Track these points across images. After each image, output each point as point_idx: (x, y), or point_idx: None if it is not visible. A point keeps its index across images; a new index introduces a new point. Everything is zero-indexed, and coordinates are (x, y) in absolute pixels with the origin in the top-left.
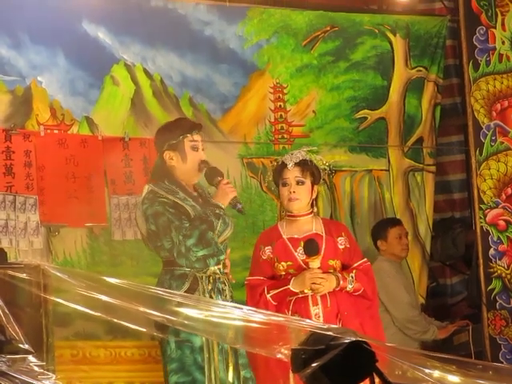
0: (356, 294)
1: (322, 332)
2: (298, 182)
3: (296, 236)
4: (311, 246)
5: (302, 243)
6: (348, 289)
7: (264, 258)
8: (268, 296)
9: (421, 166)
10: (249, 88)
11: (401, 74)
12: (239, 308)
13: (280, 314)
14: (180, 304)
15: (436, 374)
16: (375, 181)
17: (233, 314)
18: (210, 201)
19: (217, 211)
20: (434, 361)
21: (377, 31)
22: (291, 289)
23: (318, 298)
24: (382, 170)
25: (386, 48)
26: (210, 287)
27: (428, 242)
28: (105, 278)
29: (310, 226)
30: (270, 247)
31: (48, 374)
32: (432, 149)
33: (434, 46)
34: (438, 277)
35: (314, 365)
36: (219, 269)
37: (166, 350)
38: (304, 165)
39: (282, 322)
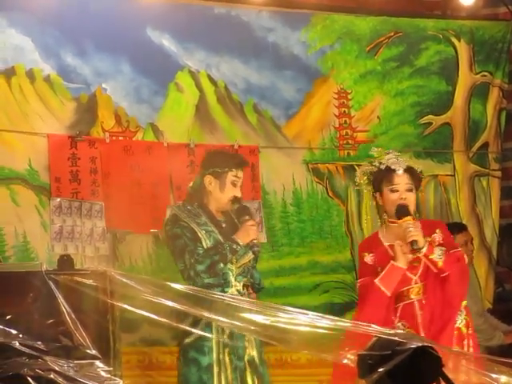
0: (442, 275)
1: (388, 337)
2: (407, 189)
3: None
4: (401, 210)
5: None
6: (435, 259)
7: (369, 263)
8: (377, 282)
9: (486, 171)
10: (313, 94)
11: (465, 79)
12: (305, 314)
13: (346, 320)
14: (246, 310)
15: (503, 378)
16: (441, 186)
17: (299, 320)
18: (232, 232)
19: (234, 246)
20: (500, 366)
21: (441, 36)
22: (395, 264)
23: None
24: (447, 175)
25: (450, 53)
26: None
27: (494, 248)
28: (171, 284)
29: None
30: (372, 254)
31: (115, 380)
32: (497, 154)
33: (499, 51)
34: (505, 282)
35: (380, 370)
36: (238, 290)
37: (178, 366)
38: (412, 172)
39: (347, 328)
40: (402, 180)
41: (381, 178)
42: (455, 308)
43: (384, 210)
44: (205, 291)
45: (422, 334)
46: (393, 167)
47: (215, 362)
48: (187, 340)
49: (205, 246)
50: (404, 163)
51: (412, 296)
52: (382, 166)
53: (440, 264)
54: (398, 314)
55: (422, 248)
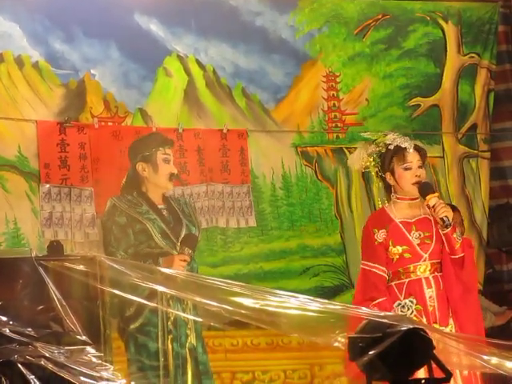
0: (456, 256)
1: (379, 320)
2: (419, 166)
3: (408, 220)
4: (426, 187)
5: (415, 227)
6: (457, 239)
7: (379, 241)
8: (374, 303)
9: (475, 152)
10: (301, 77)
11: (453, 60)
12: (295, 297)
13: (336, 302)
14: (236, 293)
15: (494, 360)
16: (430, 168)
17: (289, 303)
18: (173, 220)
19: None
20: (491, 347)
21: (428, 18)
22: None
23: (432, 281)
24: (436, 157)
25: (438, 35)
26: (168, 295)
27: (484, 229)
28: (160, 268)
29: (419, 209)
30: (383, 230)
31: (106, 365)
32: (486, 135)
33: (487, 32)
34: (495, 263)
35: (371, 353)
36: None
37: (127, 353)
38: (419, 149)
39: (338, 310)
40: (413, 157)
41: (391, 158)
42: (474, 291)
43: (394, 189)
44: (194, 275)
45: (437, 314)
46: (403, 146)
47: (160, 349)
48: (133, 326)
49: (151, 231)
50: (411, 141)
51: (418, 273)
52: (391, 146)
53: (458, 245)
54: (403, 290)
55: (451, 224)
